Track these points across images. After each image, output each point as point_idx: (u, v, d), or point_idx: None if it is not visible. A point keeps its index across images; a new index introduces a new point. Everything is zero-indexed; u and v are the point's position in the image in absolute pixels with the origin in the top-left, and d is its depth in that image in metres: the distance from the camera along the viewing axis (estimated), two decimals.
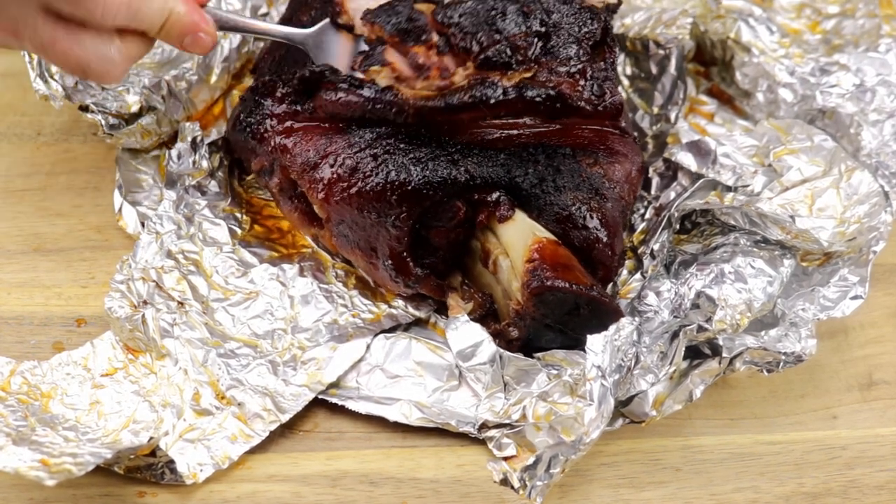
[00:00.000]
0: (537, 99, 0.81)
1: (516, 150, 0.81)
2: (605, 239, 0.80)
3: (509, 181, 0.80)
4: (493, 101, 0.80)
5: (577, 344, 0.77)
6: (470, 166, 0.80)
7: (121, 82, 0.88)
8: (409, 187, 0.79)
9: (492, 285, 0.81)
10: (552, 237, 0.79)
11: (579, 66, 0.82)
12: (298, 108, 0.84)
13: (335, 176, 0.81)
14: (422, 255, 0.81)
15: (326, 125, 0.83)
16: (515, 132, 0.82)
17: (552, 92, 0.81)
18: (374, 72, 0.85)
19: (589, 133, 0.83)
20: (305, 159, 0.83)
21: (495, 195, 0.79)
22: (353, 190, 0.80)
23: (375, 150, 0.81)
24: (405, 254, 0.80)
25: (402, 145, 0.80)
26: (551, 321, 0.77)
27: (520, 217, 0.80)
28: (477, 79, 0.82)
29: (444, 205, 0.80)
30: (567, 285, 0.74)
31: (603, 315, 0.76)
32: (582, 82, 0.82)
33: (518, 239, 0.78)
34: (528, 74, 0.82)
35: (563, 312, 0.77)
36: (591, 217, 0.80)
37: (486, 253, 0.81)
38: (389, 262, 0.81)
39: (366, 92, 0.82)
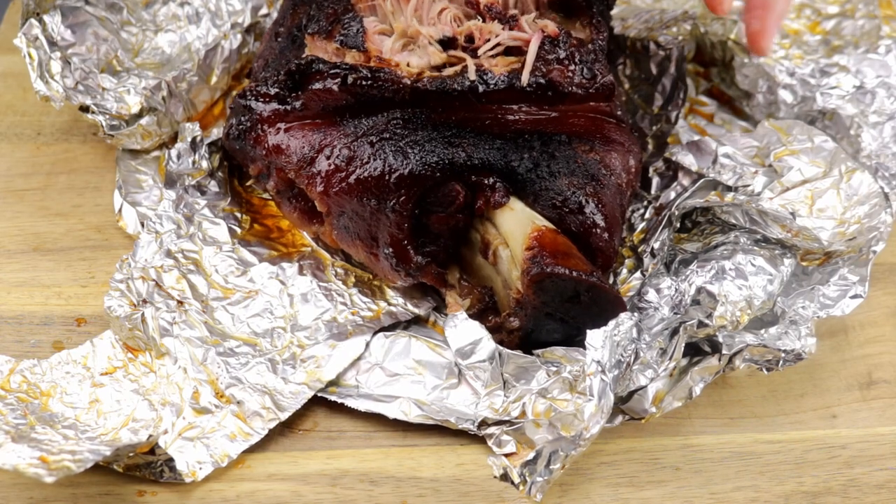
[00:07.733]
0: (528, 88, 0.81)
1: (512, 136, 0.81)
2: (601, 224, 0.79)
3: (505, 165, 0.80)
4: (481, 90, 0.80)
5: (579, 333, 0.77)
6: (467, 147, 0.79)
7: None
8: (408, 169, 0.79)
9: (491, 277, 0.81)
10: (551, 226, 0.79)
11: (568, 52, 0.82)
12: (287, 107, 0.84)
13: (333, 167, 0.81)
14: (423, 244, 0.81)
15: (318, 121, 0.83)
16: (511, 117, 0.82)
17: (542, 80, 0.81)
18: (354, 56, 0.84)
19: (585, 121, 0.83)
20: (301, 156, 0.82)
21: (491, 180, 0.79)
22: (352, 178, 0.80)
23: (371, 138, 0.80)
24: (406, 241, 0.80)
25: (397, 131, 0.80)
26: (552, 309, 0.77)
27: (518, 206, 0.80)
28: (467, 65, 0.82)
29: (443, 188, 0.79)
30: (566, 271, 0.74)
31: (603, 302, 0.75)
32: (572, 67, 0.82)
33: (517, 228, 0.78)
34: (517, 64, 0.82)
35: (563, 300, 0.76)
36: (587, 202, 0.79)
37: (486, 244, 0.81)
38: (390, 249, 0.81)
39: (360, 73, 0.81)
